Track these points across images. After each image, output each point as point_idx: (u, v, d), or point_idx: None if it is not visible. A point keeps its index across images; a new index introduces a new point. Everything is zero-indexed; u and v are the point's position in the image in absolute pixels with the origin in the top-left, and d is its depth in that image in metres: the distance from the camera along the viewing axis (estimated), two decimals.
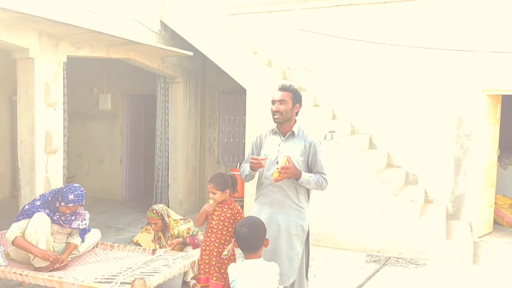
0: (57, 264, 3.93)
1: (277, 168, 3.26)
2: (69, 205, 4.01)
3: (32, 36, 4.98)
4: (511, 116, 8.27)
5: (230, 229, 3.63)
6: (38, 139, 5.08)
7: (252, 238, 2.78)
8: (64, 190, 4.09)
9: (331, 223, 6.13)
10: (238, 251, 3.78)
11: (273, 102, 3.53)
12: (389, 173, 6.44)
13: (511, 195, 7.72)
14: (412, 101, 6.85)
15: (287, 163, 3.26)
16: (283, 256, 3.42)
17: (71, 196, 4.01)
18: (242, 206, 6.42)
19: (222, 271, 3.55)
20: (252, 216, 3.09)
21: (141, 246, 4.58)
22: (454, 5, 6.62)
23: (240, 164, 7.78)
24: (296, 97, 3.55)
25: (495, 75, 6.42)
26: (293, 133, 3.55)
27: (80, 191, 4.10)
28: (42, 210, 4.05)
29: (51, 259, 3.89)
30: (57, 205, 4.04)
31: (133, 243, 4.69)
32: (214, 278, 3.59)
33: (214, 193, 3.62)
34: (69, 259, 4.15)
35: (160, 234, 4.65)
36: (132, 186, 9.19)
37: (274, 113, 3.51)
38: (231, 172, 7.34)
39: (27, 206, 4.13)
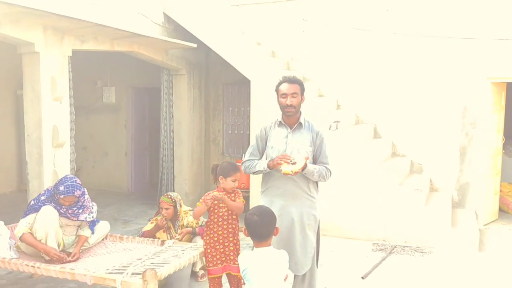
0: (69, 258, 3.96)
1: (292, 171, 3.28)
2: (60, 196, 4.00)
3: (37, 30, 5.00)
4: None
5: (236, 216, 3.74)
6: (45, 133, 5.11)
7: (263, 226, 2.82)
8: (57, 182, 4.11)
9: (336, 212, 6.17)
10: (242, 243, 3.85)
11: (284, 95, 3.50)
12: (394, 162, 6.46)
13: None
14: (417, 90, 6.84)
15: (304, 164, 3.31)
16: (297, 246, 3.46)
17: (61, 188, 3.99)
18: (247, 198, 6.45)
19: None
20: (262, 205, 3.12)
21: (154, 236, 4.63)
22: None
23: (244, 155, 7.81)
24: (302, 88, 3.58)
25: (499, 63, 6.40)
26: (300, 124, 3.57)
27: (71, 182, 4.04)
28: (49, 203, 4.07)
29: (55, 258, 3.89)
30: (56, 198, 4.07)
31: (143, 232, 4.73)
32: (237, 263, 3.64)
33: (236, 180, 3.69)
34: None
35: (170, 224, 4.71)
36: (138, 179, 9.24)
37: (287, 106, 3.49)
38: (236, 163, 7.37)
39: (33, 202, 4.15)
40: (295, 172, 3.29)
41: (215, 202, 3.69)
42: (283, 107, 3.52)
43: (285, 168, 3.31)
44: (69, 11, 4.81)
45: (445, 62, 6.68)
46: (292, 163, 3.32)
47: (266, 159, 3.60)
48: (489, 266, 5.13)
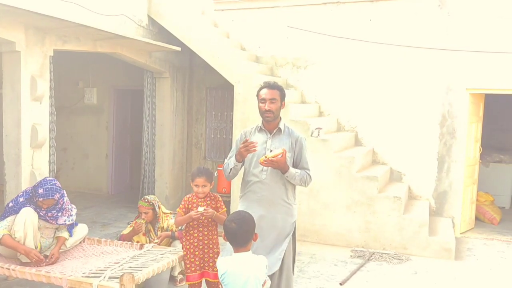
0: (47, 260, 3.90)
1: (267, 156, 3.29)
2: (39, 199, 3.95)
3: (19, 29, 4.93)
4: (493, 115, 8.45)
5: (215, 220, 3.70)
6: (24, 133, 5.03)
7: (241, 233, 2.82)
8: (36, 184, 4.06)
9: (316, 218, 6.20)
10: (221, 248, 3.84)
11: (263, 100, 3.53)
12: (374, 170, 6.53)
13: (492, 192, 7.88)
14: (397, 99, 6.94)
15: (280, 156, 3.30)
16: (268, 247, 3.46)
17: (40, 191, 3.95)
18: (228, 202, 6.45)
19: None
20: (242, 211, 3.11)
21: (132, 240, 4.59)
22: (439, 5, 6.73)
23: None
24: (282, 94, 3.60)
25: (478, 75, 6.55)
26: (279, 129, 3.59)
27: (51, 184, 4.01)
28: (28, 205, 4.01)
29: (34, 259, 3.84)
30: (35, 200, 4.01)
31: (120, 236, 4.69)
32: (215, 269, 3.63)
33: (205, 186, 3.64)
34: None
35: (150, 227, 4.68)
36: (118, 181, 9.14)
37: (265, 112, 3.51)
38: (218, 168, 7.37)
39: (11, 204, 4.08)
40: (268, 158, 3.29)
41: (197, 210, 3.66)
42: (262, 112, 3.55)
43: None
44: (52, 10, 4.75)
45: (425, 72, 6.79)
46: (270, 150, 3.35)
47: (245, 164, 3.62)
48: (465, 275, 5.22)
